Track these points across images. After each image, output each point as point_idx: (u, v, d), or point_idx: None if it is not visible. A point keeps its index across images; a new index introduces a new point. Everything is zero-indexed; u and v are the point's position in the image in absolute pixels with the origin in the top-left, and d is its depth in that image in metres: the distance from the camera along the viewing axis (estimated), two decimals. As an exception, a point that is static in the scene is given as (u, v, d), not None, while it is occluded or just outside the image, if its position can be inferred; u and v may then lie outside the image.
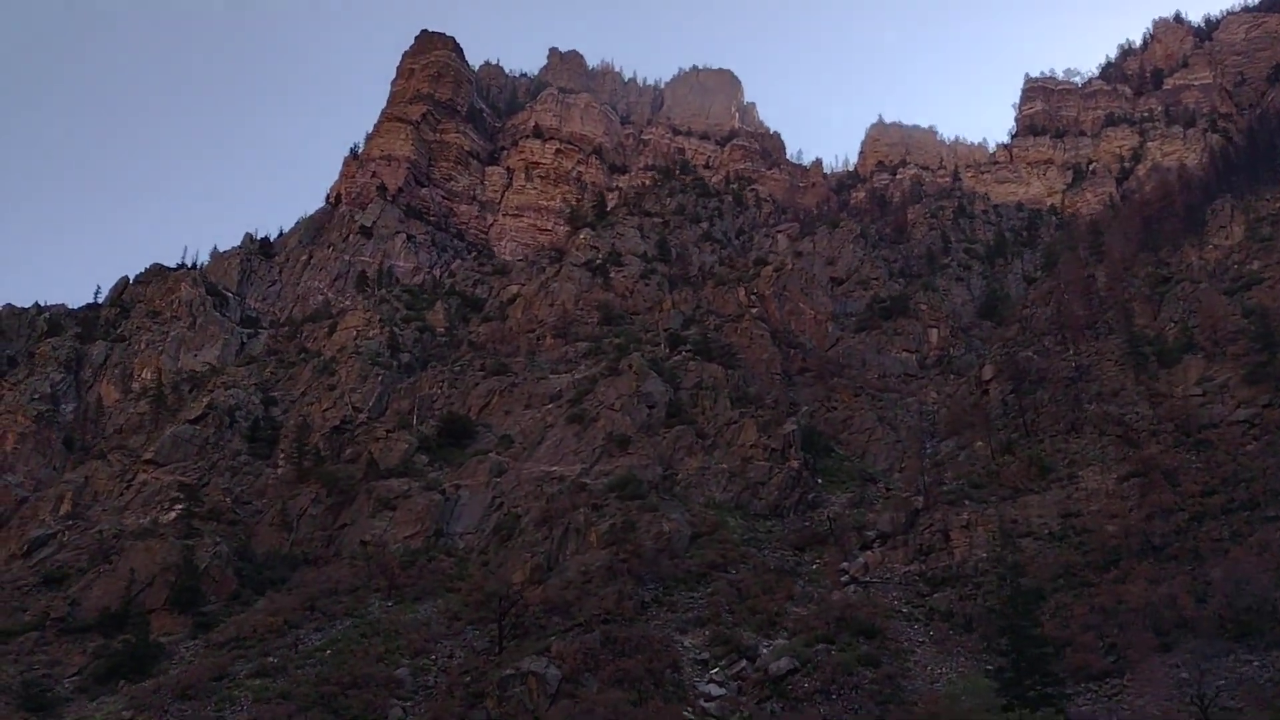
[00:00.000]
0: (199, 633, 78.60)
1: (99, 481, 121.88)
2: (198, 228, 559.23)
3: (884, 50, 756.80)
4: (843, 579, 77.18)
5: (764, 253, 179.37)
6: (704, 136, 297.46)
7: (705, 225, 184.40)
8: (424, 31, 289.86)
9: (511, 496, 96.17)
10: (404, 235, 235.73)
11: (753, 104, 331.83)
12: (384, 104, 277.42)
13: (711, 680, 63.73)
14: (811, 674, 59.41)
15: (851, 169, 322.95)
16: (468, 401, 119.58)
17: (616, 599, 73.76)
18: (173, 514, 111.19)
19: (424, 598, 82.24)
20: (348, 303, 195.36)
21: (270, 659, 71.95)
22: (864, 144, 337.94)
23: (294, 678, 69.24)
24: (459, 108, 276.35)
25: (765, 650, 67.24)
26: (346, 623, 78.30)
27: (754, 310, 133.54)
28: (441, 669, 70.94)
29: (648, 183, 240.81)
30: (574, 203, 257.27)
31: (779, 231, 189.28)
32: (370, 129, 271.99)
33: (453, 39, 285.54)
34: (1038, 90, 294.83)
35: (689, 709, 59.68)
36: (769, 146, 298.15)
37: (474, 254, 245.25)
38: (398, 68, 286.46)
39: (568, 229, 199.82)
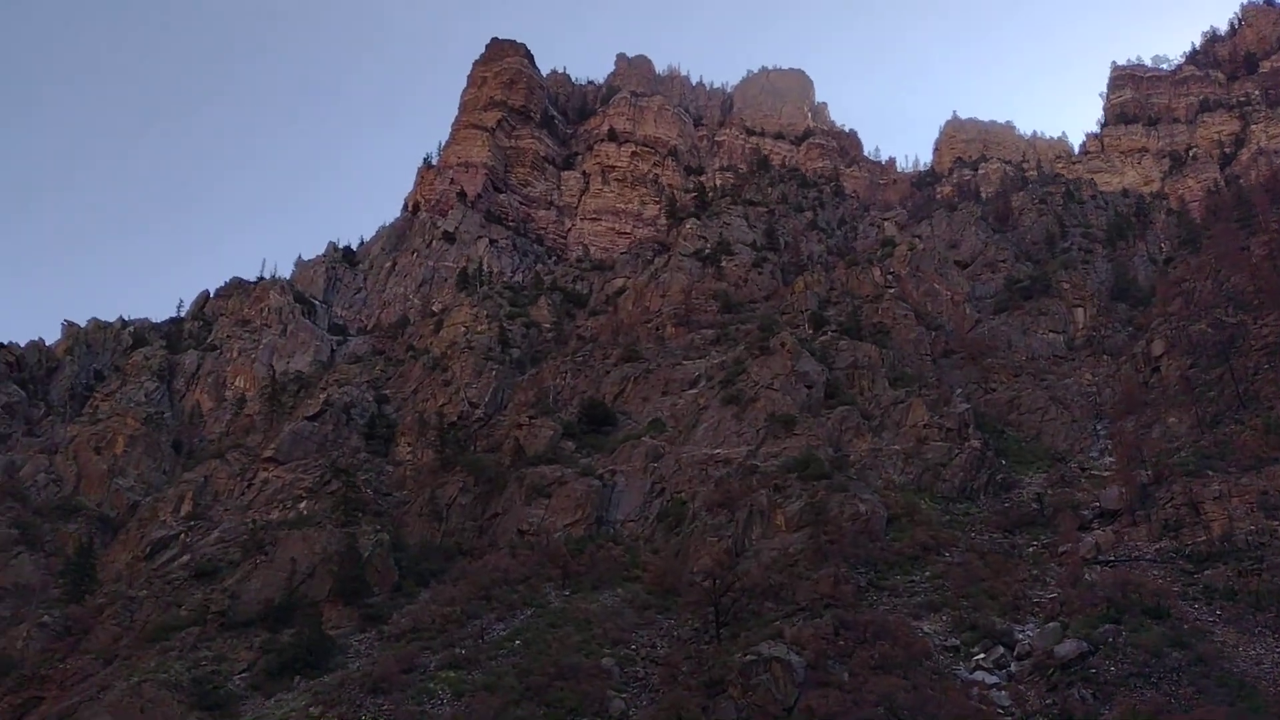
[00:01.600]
0: (368, 625, 72.49)
1: (219, 481, 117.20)
2: (268, 242, 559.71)
3: (936, 49, 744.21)
4: (1080, 559, 69.19)
5: (871, 240, 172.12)
6: (779, 136, 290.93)
7: (810, 214, 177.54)
8: (494, 39, 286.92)
9: (673, 481, 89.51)
10: (486, 240, 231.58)
11: (824, 104, 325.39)
12: (454, 113, 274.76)
13: (979, 667, 56.26)
14: (1112, 657, 51.68)
15: (924, 166, 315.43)
16: (600, 389, 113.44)
17: (833, 582, 66.63)
18: (304, 503, 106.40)
19: (601, 586, 75.76)
20: (441, 303, 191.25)
21: (458, 650, 65.61)
22: (939, 140, 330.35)
23: (489, 669, 62.90)
24: (532, 114, 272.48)
25: (1023, 635, 59.75)
26: (527, 612, 71.97)
27: (891, 290, 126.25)
28: (647, 659, 64.24)
29: (727, 183, 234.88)
30: (655, 203, 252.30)
31: (886, 219, 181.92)
32: (445, 138, 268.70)
33: (523, 45, 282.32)
34: (1126, 78, 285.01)
35: (968, 697, 52.20)
36: (846, 144, 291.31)
37: (553, 258, 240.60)
38: (469, 76, 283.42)
39: (664, 221, 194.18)
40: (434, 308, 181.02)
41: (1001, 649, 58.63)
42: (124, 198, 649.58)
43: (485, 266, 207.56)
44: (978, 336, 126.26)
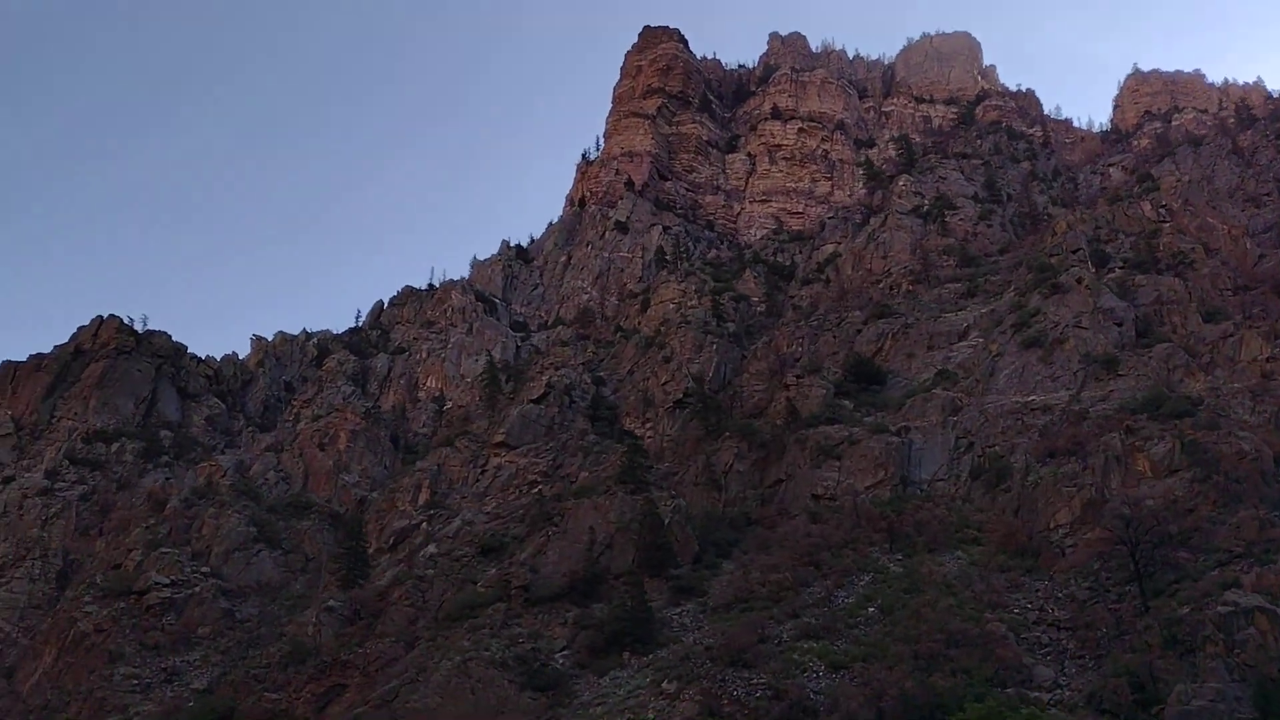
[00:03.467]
0: (680, 597, 64.76)
1: (451, 469, 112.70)
2: (418, 252, 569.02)
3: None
4: None
5: (1095, 190, 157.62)
6: (949, 102, 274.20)
7: (1027, 165, 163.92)
8: (647, 27, 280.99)
9: (982, 434, 79.20)
10: (659, 227, 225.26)
11: (993, 66, 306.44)
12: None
13: None
14: None
15: (1099, 125, 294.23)
16: (854, 349, 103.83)
17: (1257, 527, 55.29)
18: (539, 487, 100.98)
19: (938, 549, 66.10)
20: (627, 287, 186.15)
21: (805, 619, 57.09)
22: (1120, 95, 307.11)
23: (855, 638, 54.24)
24: (691, 99, 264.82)
25: None
26: (864, 578, 62.95)
27: (1167, 225, 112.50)
28: (1042, 622, 54.42)
29: (896, 154, 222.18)
30: (827, 179, 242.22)
31: (1110, 165, 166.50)
32: (584, 136, 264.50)
33: (677, 31, 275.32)
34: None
35: None
36: (1024, 105, 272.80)
37: (724, 243, 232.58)
38: (622, 68, 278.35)
39: (865, 187, 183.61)
40: (632, 289, 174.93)
41: None
42: (269, 216, 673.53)
43: (677, 246, 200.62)
44: (1265, 271, 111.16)
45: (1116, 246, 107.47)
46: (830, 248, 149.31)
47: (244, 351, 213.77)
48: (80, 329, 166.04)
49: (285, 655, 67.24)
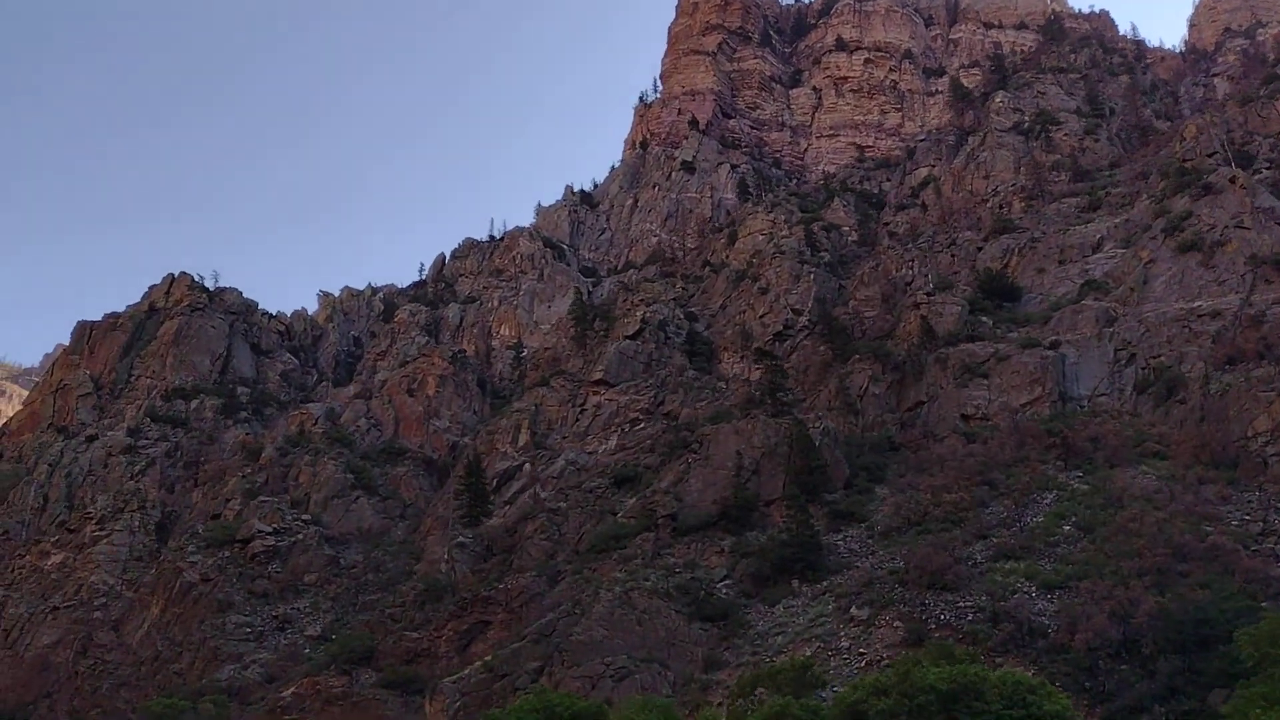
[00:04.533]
0: (838, 522, 59.99)
1: (549, 409, 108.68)
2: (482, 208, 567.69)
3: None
4: None
5: (1199, 101, 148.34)
6: (1020, 27, 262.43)
7: (1126, 78, 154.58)
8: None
9: (1144, 344, 73.06)
10: (727, 166, 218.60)
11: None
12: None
13: None
14: None
15: (1171, 46, 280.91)
16: (977, 267, 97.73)
17: None
18: (642, 426, 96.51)
19: (1121, 464, 60.56)
20: (700, 227, 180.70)
21: (997, 539, 52.04)
22: (1195, 15, 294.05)
23: (1060, 556, 49.34)
24: (751, 34, 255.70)
25: None
26: (1047, 496, 57.65)
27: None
28: (1269, 533, 48.97)
29: (970, 83, 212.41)
30: (897, 110, 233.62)
31: (1215, 75, 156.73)
32: (661, 71, 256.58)
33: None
34: None
35: None
36: (1099, 26, 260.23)
37: (794, 180, 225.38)
38: (677, 6, 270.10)
39: (950, 112, 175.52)
40: (716, 224, 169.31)
41: None
42: (318, 177, 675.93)
43: (724, 196, 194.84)
44: None
45: (1255, 148, 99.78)
46: (924, 171, 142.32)
47: (310, 307, 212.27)
48: (153, 287, 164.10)
49: (420, 594, 63.77)
